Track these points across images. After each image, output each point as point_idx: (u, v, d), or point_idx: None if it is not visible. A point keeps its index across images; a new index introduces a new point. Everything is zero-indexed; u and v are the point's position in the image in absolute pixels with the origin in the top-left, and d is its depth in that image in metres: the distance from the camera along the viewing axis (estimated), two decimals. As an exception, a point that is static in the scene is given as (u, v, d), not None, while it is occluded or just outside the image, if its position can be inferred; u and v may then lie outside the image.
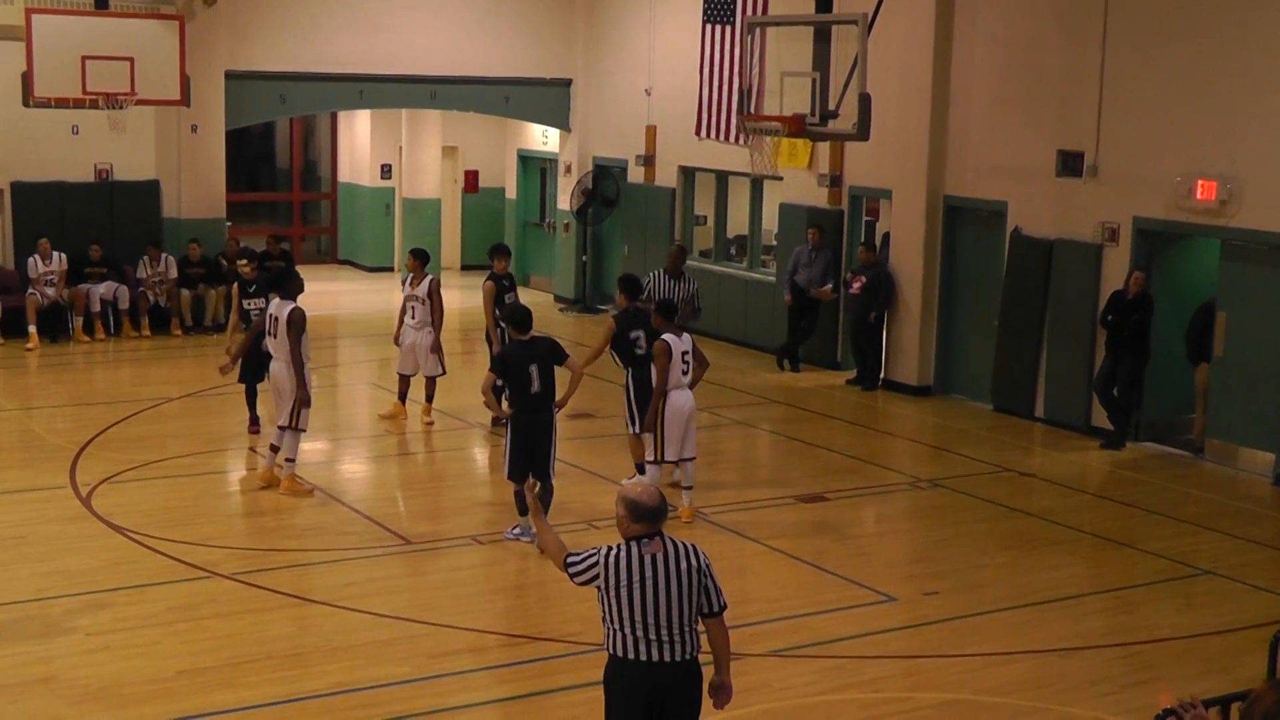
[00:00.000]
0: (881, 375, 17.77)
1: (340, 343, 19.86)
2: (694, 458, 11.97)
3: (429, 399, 15.16)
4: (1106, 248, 15.23)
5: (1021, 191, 16.14)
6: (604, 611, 6.21)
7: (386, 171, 26.42)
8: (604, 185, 22.92)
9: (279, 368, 12.42)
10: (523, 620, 10.04)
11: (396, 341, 15.18)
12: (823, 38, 14.87)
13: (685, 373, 11.75)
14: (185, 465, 13.50)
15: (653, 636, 6.13)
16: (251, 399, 14.37)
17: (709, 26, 20.35)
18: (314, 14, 21.71)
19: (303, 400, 12.31)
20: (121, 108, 18.13)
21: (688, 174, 21.67)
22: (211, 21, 20.48)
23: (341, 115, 26.84)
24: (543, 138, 25.11)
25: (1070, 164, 15.48)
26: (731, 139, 19.80)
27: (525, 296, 15.86)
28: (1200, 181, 14.09)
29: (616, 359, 12.64)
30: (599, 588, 6.17)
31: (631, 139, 22.42)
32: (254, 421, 14.45)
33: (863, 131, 14.13)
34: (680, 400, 11.71)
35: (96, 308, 19.45)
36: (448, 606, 9.99)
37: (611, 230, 23.33)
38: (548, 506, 11.00)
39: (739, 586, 9.75)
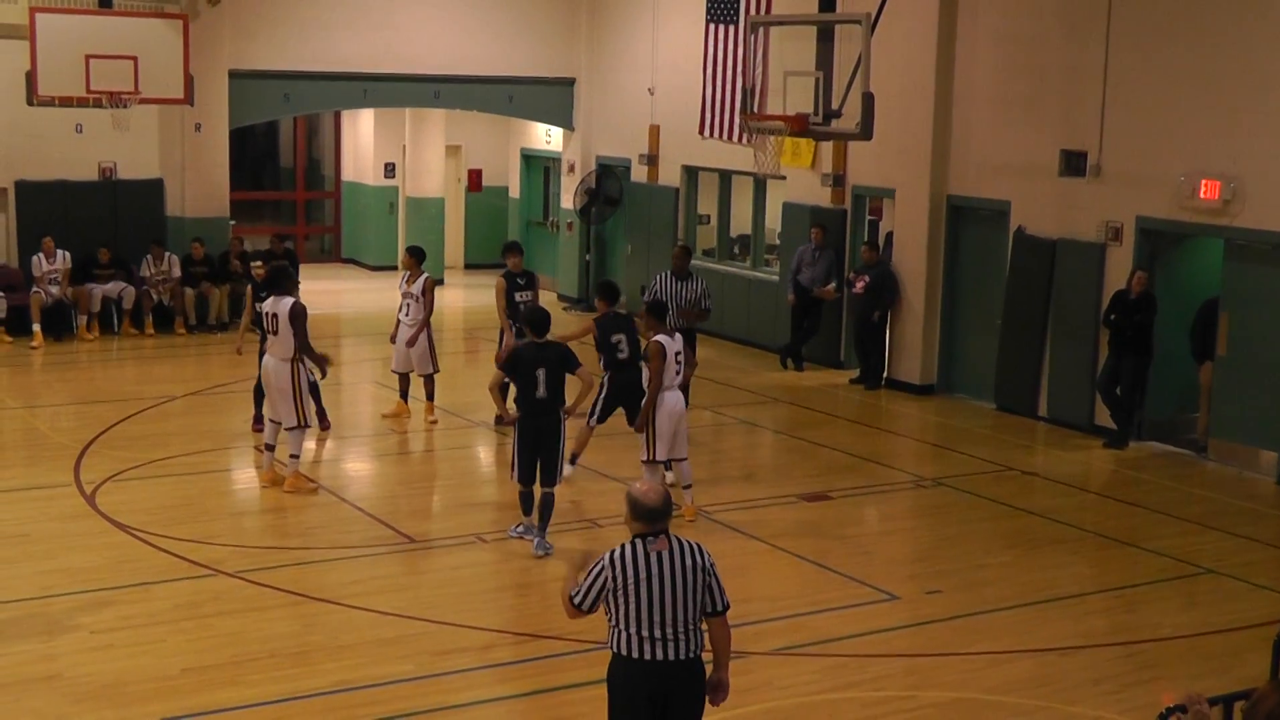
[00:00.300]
0: (884, 374, 17.77)
1: (344, 341, 19.86)
2: (685, 458, 11.99)
3: (429, 397, 15.18)
4: (1110, 247, 15.23)
5: (1025, 191, 16.14)
6: (608, 610, 6.22)
7: (390, 170, 26.43)
8: (607, 184, 22.92)
9: (275, 365, 12.42)
10: (526, 618, 10.05)
11: (392, 339, 15.23)
12: (826, 37, 14.87)
13: (677, 373, 11.81)
14: (189, 463, 13.51)
15: (657, 635, 6.14)
16: (259, 396, 14.34)
17: (712, 26, 20.36)
18: (318, 13, 21.71)
19: (321, 360, 12.43)
20: (125, 106, 18.13)
21: (691, 173, 21.67)
22: (215, 20, 20.49)
23: (345, 114, 26.84)
24: (546, 137, 25.12)
25: (1073, 163, 15.49)
26: (735, 138, 19.81)
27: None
28: (1204, 181, 14.09)
29: (599, 361, 12.80)
30: (607, 589, 6.17)
31: (635, 138, 22.43)
32: (258, 419, 14.42)
33: (866, 131, 14.13)
34: (671, 400, 11.76)
35: (97, 308, 19.47)
36: (451, 605, 10.00)
37: (615, 229, 23.33)
38: (548, 516, 11.01)
39: (742, 585, 9.75)
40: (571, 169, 23.93)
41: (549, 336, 11.24)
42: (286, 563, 10.88)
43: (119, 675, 8.65)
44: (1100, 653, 9.46)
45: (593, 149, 23.63)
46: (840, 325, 18.73)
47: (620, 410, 12.89)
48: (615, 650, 6.25)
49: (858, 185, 18.58)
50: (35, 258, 19.16)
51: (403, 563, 11.00)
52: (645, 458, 11.78)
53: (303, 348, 12.32)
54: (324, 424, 14.57)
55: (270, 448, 12.72)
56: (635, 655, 6.17)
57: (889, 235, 18.55)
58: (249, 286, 15.00)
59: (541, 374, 10.78)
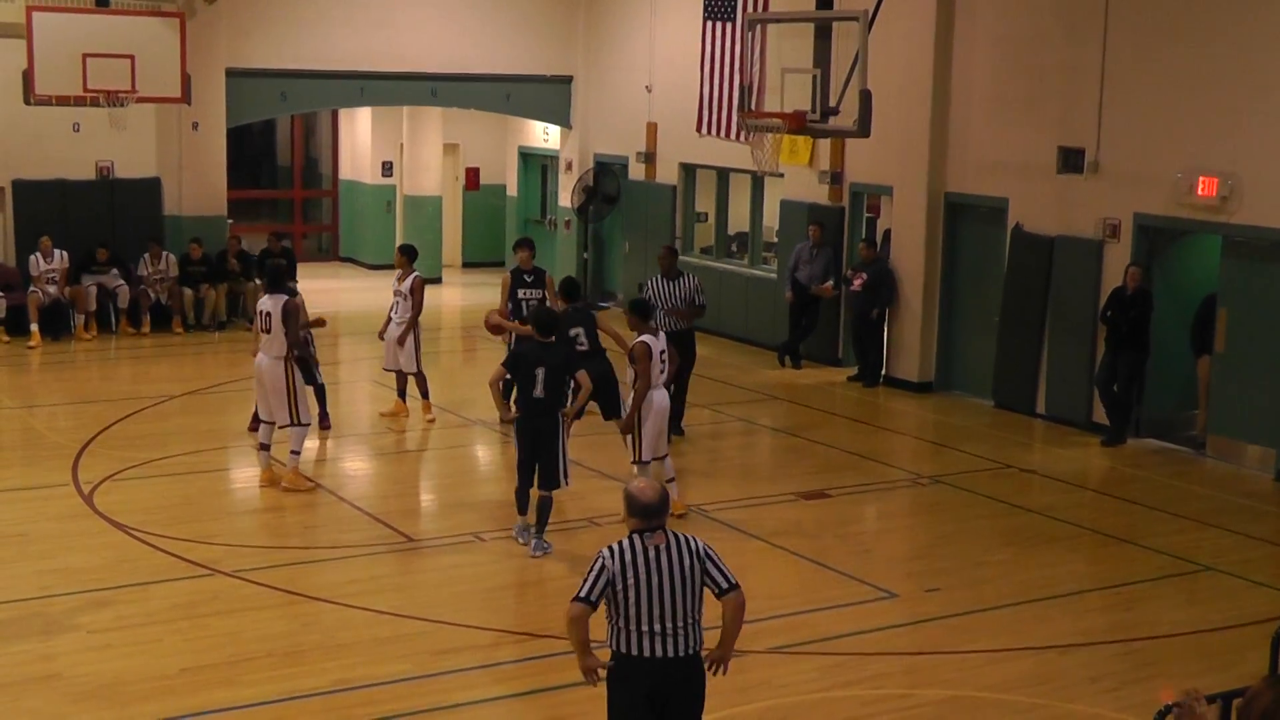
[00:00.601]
0: (883, 372, 17.77)
1: (341, 340, 19.85)
2: (666, 455, 11.98)
3: (424, 395, 15.19)
4: (1107, 244, 15.22)
5: (1022, 188, 16.14)
6: (608, 607, 6.21)
7: (387, 169, 26.42)
8: (605, 182, 22.91)
9: (269, 364, 12.42)
10: (524, 617, 10.05)
11: (380, 335, 15.24)
12: (823, 34, 14.86)
13: (662, 372, 11.82)
14: (187, 463, 13.50)
15: (656, 629, 6.14)
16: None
17: (710, 23, 20.35)
18: (315, 11, 21.71)
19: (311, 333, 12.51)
20: (122, 105, 18.11)
21: (689, 171, 21.67)
22: (212, 19, 20.47)
23: (342, 112, 26.82)
24: (544, 135, 25.12)
25: (1071, 160, 15.48)
26: (732, 136, 19.80)
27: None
28: (1201, 178, 14.09)
29: None
30: (609, 579, 6.15)
31: (632, 136, 22.42)
32: (256, 418, 14.38)
33: (863, 128, 14.12)
34: (659, 400, 11.77)
35: (94, 306, 19.45)
36: (449, 604, 9.99)
37: (612, 227, 23.33)
38: (546, 518, 10.99)
39: (740, 583, 9.72)
40: (569, 167, 23.93)
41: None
42: (284, 562, 10.87)
43: (117, 675, 8.64)
44: (1099, 650, 9.46)
45: (590, 147, 23.62)
46: (838, 323, 18.73)
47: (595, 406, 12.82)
48: (614, 648, 6.25)
49: (855, 183, 18.58)
50: (33, 257, 19.15)
51: (400, 562, 11.00)
52: (634, 459, 11.79)
53: (293, 343, 12.34)
54: (325, 424, 14.57)
55: (265, 447, 12.72)
56: (635, 653, 6.18)
57: (887, 233, 18.54)
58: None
59: (541, 374, 10.75)
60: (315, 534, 11.69)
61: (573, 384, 11.06)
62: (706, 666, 6.40)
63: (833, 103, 14.57)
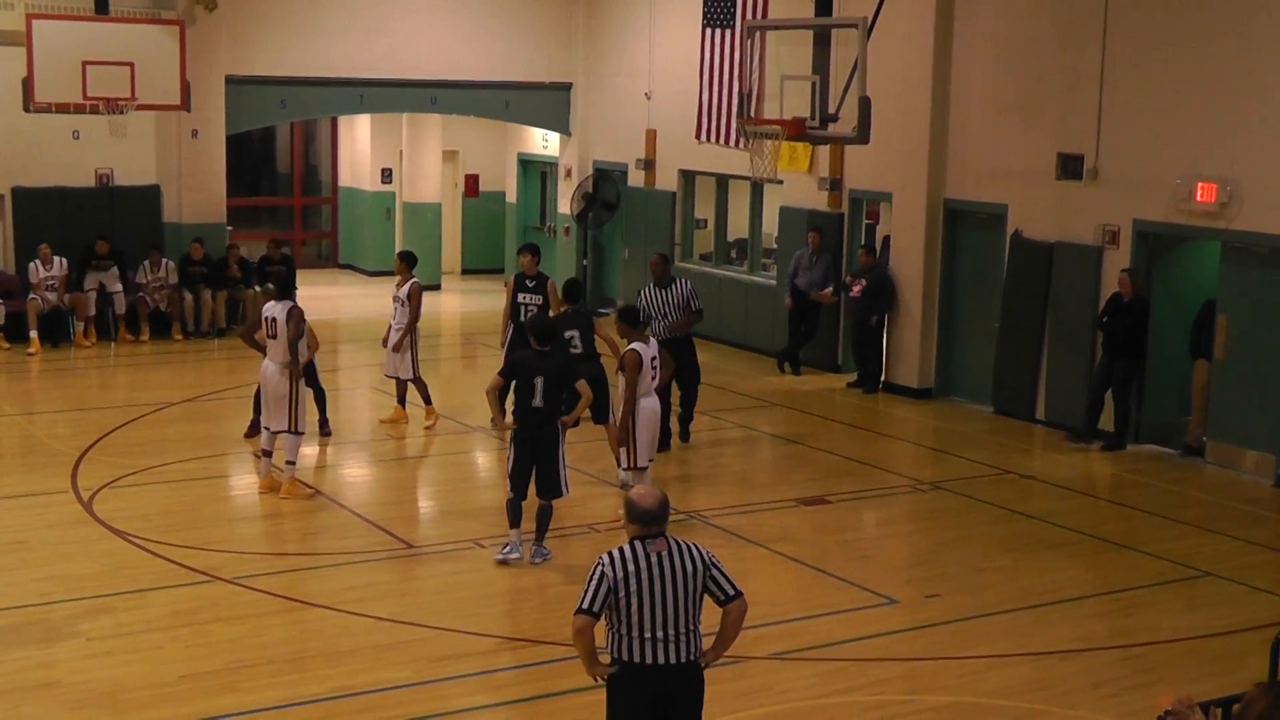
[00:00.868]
0: (882, 378, 17.77)
1: (341, 347, 19.85)
2: (653, 459, 12.02)
3: (426, 401, 15.20)
4: (1107, 250, 15.23)
5: (1022, 194, 16.15)
6: (609, 615, 6.19)
7: (387, 176, 26.43)
8: (604, 189, 22.92)
9: (274, 370, 12.45)
10: (524, 624, 10.04)
11: (384, 343, 15.26)
12: (822, 41, 14.88)
13: (653, 378, 11.82)
14: (186, 470, 13.50)
15: (659, 635, 6.14)
16: (259, 403, 14.25)
17: (709, 30, 20.36)
18: (314, 19, 21.72)
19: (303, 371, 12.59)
20: (122, 113, 18.13)
21: (688, 177, 21.67)
22: (212, 26, 20.48)
23: (342, 120, 26.84)
24: (543, 142, 25.13)
25: (1070, 167, 15.49)
26: (731, 143, 19.79)
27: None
28: (1200, 184, 14.10)
29: None
30: (610, 587, 6.14)
31: (631, 143, 22.43)
32: (254, 427, 14.37)
33: (863, 135, 14.14)
34: (650, 406, 11.79)
35: (93, 312, 19.45)
36: (449, 610, 9.99)
37: (612, 234, 23.34)
38: (546, 526, 10.98)
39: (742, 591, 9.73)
40: (568, 174, 23.93)
41: None
42: (284, 569, 10.86)
43: (117, 682, 8.63)
44: (1099, 656, 9.45)
45: (590, 154, 23.63)
46: (838, 329, 18.73)
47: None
48: (615, 656, 6.23)
49: (855, 189, 18.59)
50: (32, 264, 19.15)
51: (400, 568, 10.99)
52: (626, 466, 11.79)
53: (292, 342, 12.35)
54: (325, 431, 14.57)
55: (267, 454, 12.72)
56: (636, 660, 6.17)
57: (886, 239, 18.55)
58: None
59: (540, 383, 10.71)
60: (315, 541, 11.68)
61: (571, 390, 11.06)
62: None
63: (832, 109, 14.60)
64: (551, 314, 13.67)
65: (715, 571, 6.27)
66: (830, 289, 18.34)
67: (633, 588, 6.12)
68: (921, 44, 16.89)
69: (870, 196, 18.58)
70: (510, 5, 23.18)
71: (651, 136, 22.07)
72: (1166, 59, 14.52)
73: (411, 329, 14.93)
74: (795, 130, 14.58)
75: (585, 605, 6.14)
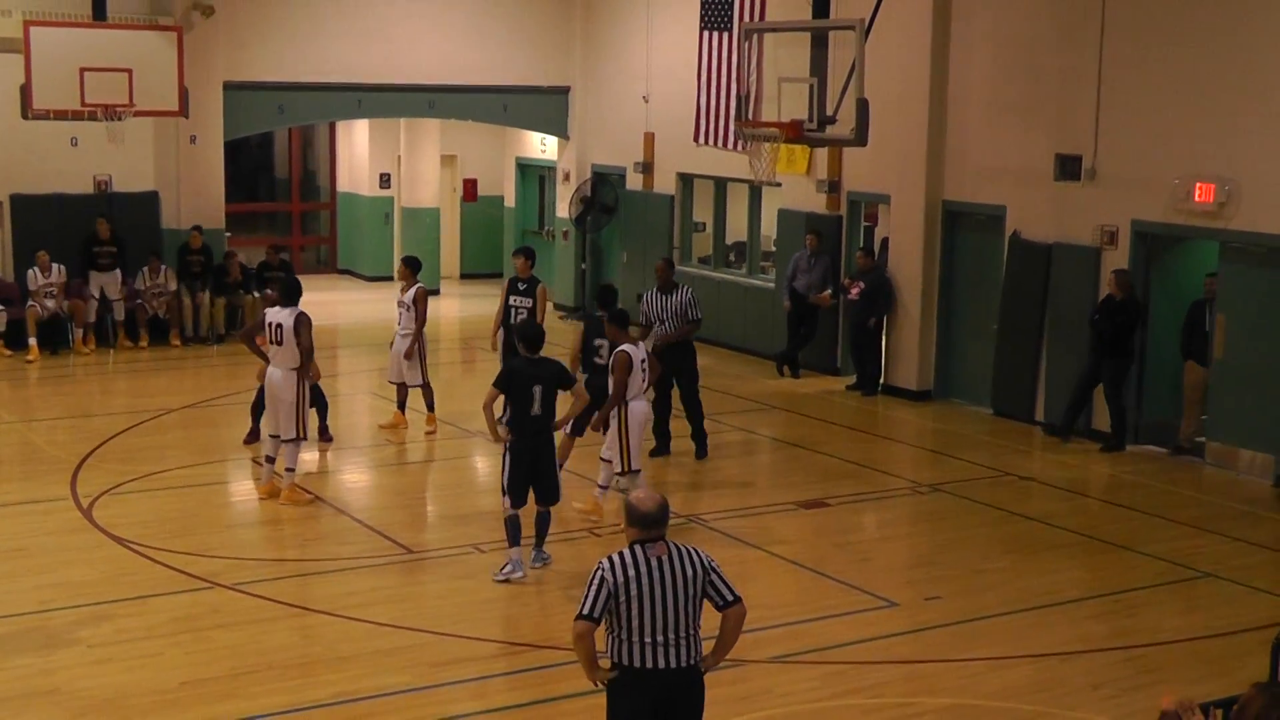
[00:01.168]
0: (881, 380, 17.77)
1: (340, 352, 19.86)
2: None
3: (429, 408, 15.20)
4: (1105, 251, 15.24)
5: (1020, 195, 16.15)
6: (609, 619, 6.19)
7: (385, 181, 26.43)
8: (602, 192, 22.93)
9: (280, 375, 12.43)
10: (525, 628, 10.03)
11: (391, 348, 15.27)
12: (820, 43, 14.88)
13: (644, 381, 11.83)
14: (186, 476, 13.50)
15: (659, 639, 6.14)
16: (256, 412, 14.26)
17: (706, 33, 20.37)
18: (312, 24, 21.72)
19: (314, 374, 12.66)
20: (120, 119, 18.11)
21: (686, 181, 21.68)
22: (209, 32, 20.48)
23: (340, 125, 26.84)
24: (541, 145, 25.13)
25: (1068, 167, 15.50)
26: (730, 145, 19.81)
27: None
28: (1198, 184, 14.11)
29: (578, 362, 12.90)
30: (610, 592, 6.14)
31: (630, 146, 22.44)
32: (253, 434, 14.36)
33: (861, 137, 14.14)
34: (641, 409, 11.82)
35: (92, 318, 19.44)
36: (449, 615, 9.99)
37: (610, 238, 23.34)
38: (545, 532, 10.97)
39: (739, 593, 9.73)
40: (567, 178, 23.94)
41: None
42: (284, 575, 10.87)
43: (118, 689, 8.63)
44: (1099, 657, 9.45)
45: (588, 157, 23.64)
46: (836, 332, 18.74)
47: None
48: (616, 660, 6.23)
49: (853, 191, 18.59)
50: (30, 271, 19.15)
51: (401, 574, 10.99)
52: (620, 470, 11.79)
53: (305, 350, 12.33)
54: (325, 437, 14.58)
55: (270, 460, 12.71)
56: (637, 665, 6.17)
57: (884, 241, 18.55)
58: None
59: (538, 391, 10.65)
60: (315, 546, 11.68)
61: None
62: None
63: (830, 112, 14.59)
64: (540, 319, 13.67)
65: (714, 576, 6.28)
66: (829, 291, 18.34)
67: (633, 592, 6.12)
68: (919, 45, 16.91)
69: (868, 198, 18.59)
70: (508, 9, 23.19)
71: (649, 140, 22.08)
72: (1164, 59, 14.54)
73: (418, 334, 14.92)
74: (793, 132, 14.58)
75: (585, 610, 6.14)
